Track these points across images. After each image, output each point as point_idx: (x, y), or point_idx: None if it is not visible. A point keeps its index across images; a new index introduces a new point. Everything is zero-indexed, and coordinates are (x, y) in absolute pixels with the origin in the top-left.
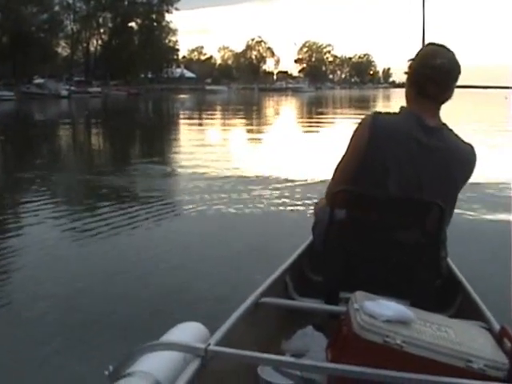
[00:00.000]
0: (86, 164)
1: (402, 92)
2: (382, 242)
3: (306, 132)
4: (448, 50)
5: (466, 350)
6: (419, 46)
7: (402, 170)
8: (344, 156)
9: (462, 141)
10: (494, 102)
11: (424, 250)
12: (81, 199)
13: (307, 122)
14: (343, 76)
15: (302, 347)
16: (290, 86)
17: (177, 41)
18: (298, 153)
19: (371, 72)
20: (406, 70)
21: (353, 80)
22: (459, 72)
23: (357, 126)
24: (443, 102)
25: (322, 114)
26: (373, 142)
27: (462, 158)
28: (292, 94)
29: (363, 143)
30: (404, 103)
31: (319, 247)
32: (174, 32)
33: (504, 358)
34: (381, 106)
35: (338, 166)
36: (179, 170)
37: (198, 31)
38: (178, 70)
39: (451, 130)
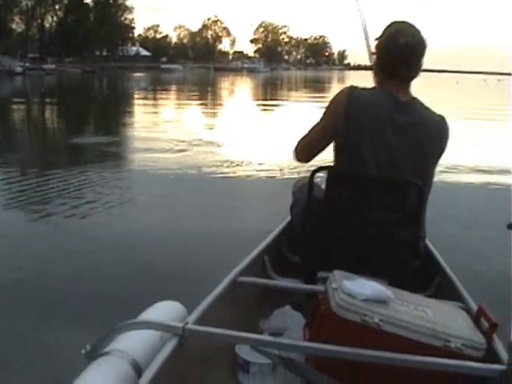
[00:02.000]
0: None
1: (356, 74)
2: (360, 221)
3: (257, 113)
4: (411, 25)
5: (444, 330)
6: (374, 29)
7: (378, 147)
8: (317, 126)
9: (434, 113)
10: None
11: (402, 230)
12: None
13: (260, 105)
14: (298, 57)
15: (280, 326)
16: (246, 66)
17: (133, 19)
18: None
19: (326, 54)
20: (374, 50)
21: (308, 61)
22: (424, 47)
23: (333, 97)
24: (412, 79)
25: (276, 97)
26: (349, 113)
27: (434, 130)
28: (247, 74)
29: (340, 114)
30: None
31: (297, 227)
32: (130, 10)
33: (481, 337)
34: (336, 88)
35: (313, 130)
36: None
37: (154, 9)
38: (134, 48)
39: (422, 104)
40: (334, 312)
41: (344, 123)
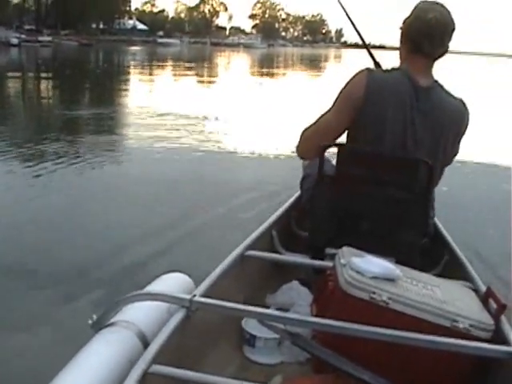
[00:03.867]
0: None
1: (352, 52)
2: (370, 198)
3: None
4: (441, 5)
5: (452, 310)
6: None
7: (396, 129)
8: (332, 109)
9: (453, 97)
10: None
11: (412, 208)
12: None
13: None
14: (296, 34)
15: (287, 301)
16: (243, 41)
17: None
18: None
19: (323, 31)
20: (401, 25)
21: (305, 38)
22: (453, 28)
23: (350, 79)
24: (436, 59)
25: (273, 74)
26: (369, 96)
27: (453, 115)
28: (244, 49)
29: (359, 97)
30: (352, 62)
31: (307, 202)
32: None
33: (489, 318)
34: (333, 65)
35: (324, 117)
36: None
37: None
38: (130, 22)
39: (442, 87)
40: (341, 288)
41: (363, 105)
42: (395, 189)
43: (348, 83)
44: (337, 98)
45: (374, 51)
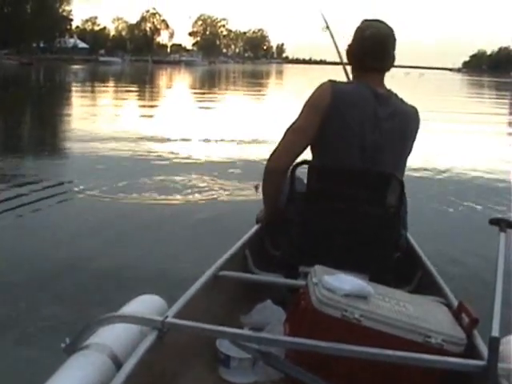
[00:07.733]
0: None
1: (294, 67)
2: (342, 215)
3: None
4: (379, 21)
5: (425, 325)
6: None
7: (364, 140)
8: (298, 119)
9: (408, 104)
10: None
11: (384, 224)
12: None
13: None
14: (237, 50)
15: (261, 321)
16: (184, 59)
17: (71, 10)
18: None
19: (265, 47)
20: (346, 47)
21: (246, 55)
22: (392, 39)
23: (313, 92)
24: (385, 71)
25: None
26: (335, 104)
27: (411, 122)
28: (185, 67)
29: (326, 105)
30: (293, 78)
31: (280, 221)
32: (68, 1)
33: (461, 333)
34: (274, 81)
35: (290, 131)
36: None
37: (92, 1)
38: (71, 41)
39: (397, 95)
40: (314, 307)
41: (330, 113)
42: (366, 204)
43: (314, 93)
44: (303, 109)
45: None
